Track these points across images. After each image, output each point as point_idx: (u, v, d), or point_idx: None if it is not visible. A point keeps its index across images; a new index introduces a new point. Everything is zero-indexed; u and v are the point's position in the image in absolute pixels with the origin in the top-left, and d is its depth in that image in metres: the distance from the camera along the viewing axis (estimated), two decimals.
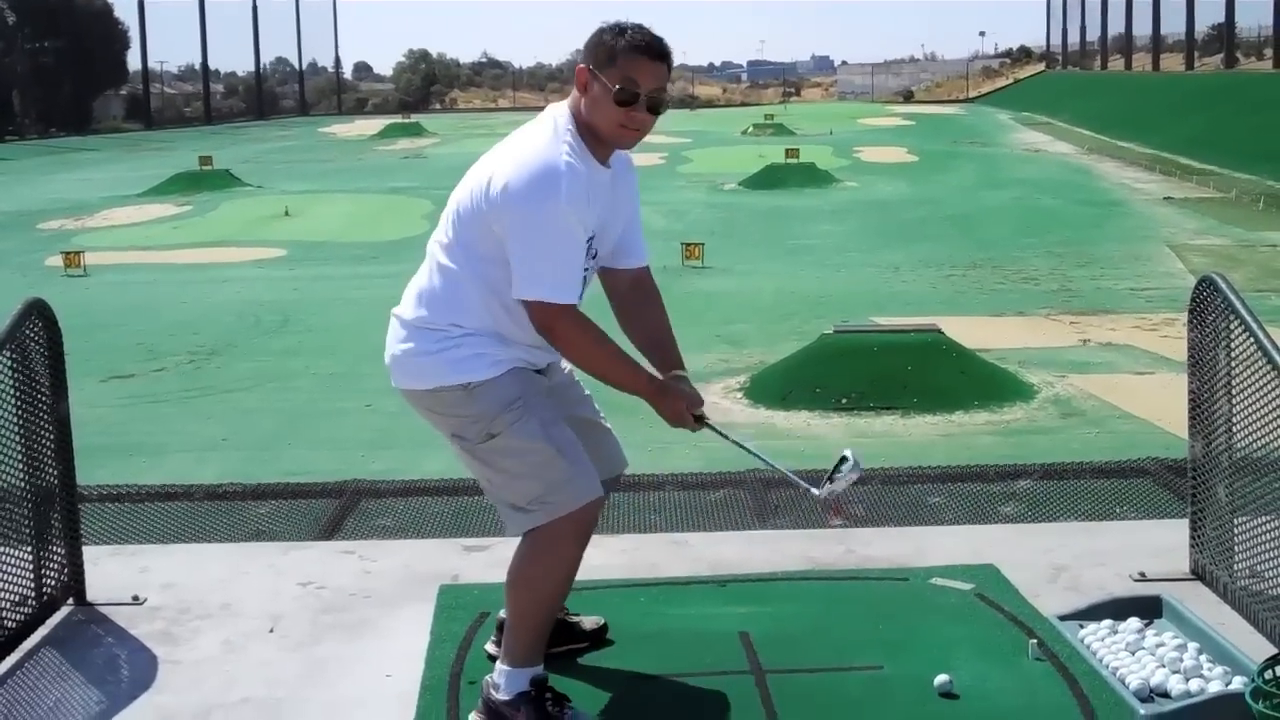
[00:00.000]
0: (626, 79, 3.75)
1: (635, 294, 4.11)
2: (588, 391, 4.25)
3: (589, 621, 4.46)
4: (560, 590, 3.97)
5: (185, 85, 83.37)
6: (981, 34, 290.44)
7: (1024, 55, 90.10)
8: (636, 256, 4.12)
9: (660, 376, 4.00)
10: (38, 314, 4.65)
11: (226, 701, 4.11)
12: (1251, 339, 4.40)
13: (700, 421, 4.00)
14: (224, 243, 20.69)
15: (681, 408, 3.94)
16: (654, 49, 3.82)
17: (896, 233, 20.08)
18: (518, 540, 3.94)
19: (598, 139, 3.82)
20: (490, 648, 4.30)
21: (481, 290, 3.81)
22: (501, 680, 3.86)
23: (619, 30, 3.81)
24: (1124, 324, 12.42)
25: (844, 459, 4.11)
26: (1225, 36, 54.36)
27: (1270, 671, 3.40)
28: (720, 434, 4.06)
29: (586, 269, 3.84)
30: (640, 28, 3.83)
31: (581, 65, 3.82)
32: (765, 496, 6.52)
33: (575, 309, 3.78)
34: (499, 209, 3.71)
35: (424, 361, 3.87)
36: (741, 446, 4.11)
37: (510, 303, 3.78)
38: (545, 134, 3.81)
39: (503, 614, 4.11)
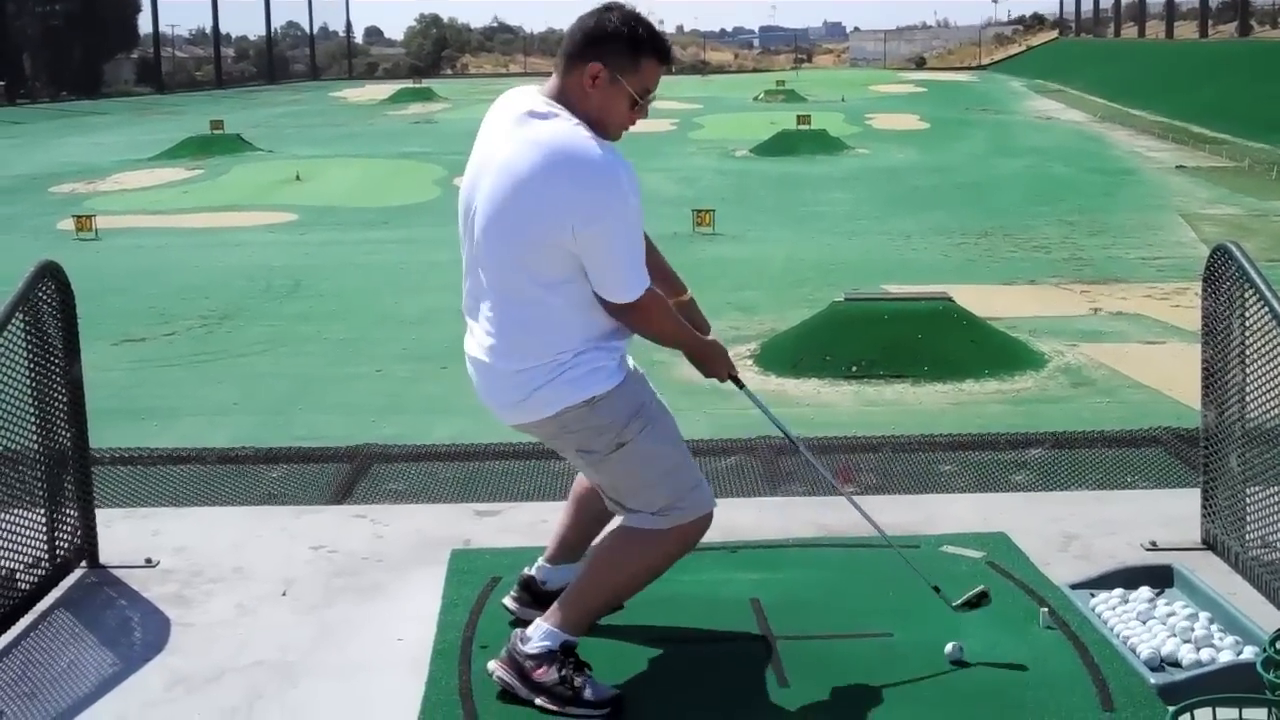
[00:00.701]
0: (645, 87, 3.74)
1: (656, 270, 3.99)
2: None
3: None
4: (641, 585, 3.98)
5: (196, 49, 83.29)
6: (994, 0, 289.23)
7: (1037, 22, 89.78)
8: None
9: (704, 339, 4.08)
10: (50, 276, 4.65)
11: (239, 664, 4.13)
12: (1266, 308, 4.38)
13: (734, 379, 4.14)
14: (235, 207, 20.70)
15: (724, 363, 4.09)
16: (669, 56, 3.83)
17: (908, 200, 20.04)
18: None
19: (595, 129, 3.70)
20: (509, 602, 4.31)
21: (573, 309, 3.72)
22: (534, 634, 3.84)
23: (635, 29, 3.70)
24: (1135, 293, 12.41)
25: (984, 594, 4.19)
26: (1239, 4, 54.10)
27: None
28: (751, 397, 4.21)
29: None
30: (651, 28, 3.75)
31: (596, 63, 3.68)
32: (776, 464, 6.53)
33: (655, 290, 3.80)
34: (575, 222, 3.59)
35: (543, 393, 3.75)
36: (767, 414, 4.20)
37: (596, 305, 3.73)
38: (563, 131, 3.66)
39: (529, 570, 4.24)
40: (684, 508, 3.84)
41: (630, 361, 3.95)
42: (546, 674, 3.80)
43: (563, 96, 3.73)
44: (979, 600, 4.16)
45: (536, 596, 4.20)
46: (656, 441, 3.84)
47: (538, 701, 3.79)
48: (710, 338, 4.09)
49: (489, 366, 3.83)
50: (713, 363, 4.05)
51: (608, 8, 3.75)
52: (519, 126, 3.72)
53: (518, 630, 3.92)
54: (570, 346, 3.74)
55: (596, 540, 4.10)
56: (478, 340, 3.86)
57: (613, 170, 3.61)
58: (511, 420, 3.89)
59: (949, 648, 4.05)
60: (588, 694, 3.79)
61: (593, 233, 3.61)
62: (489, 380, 3.86)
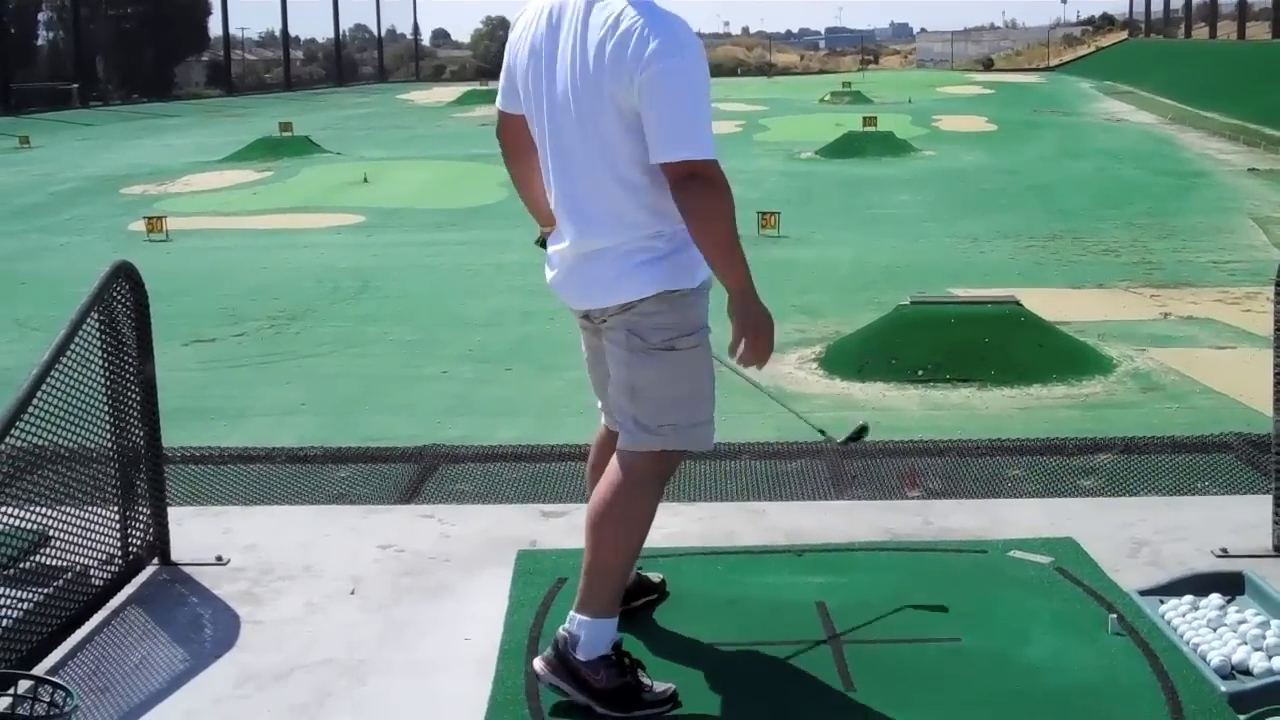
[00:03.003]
0: None
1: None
2: None
3: (655, 575, 4.51)
4: (643, 533, 3.90)
5: (265, 51, 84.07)
6: (1063, 1, 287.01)
7: (1106, 23, 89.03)
8: None
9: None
10: (125, 277, 4.71)
11: (308, 662, 4.17)
12: None
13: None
14: (303, 209, 20.83)
15: (771, 335, 3.76)
16: None
17: (975, 203, 19.90)
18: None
19: None
20: None
21: (664, 188, 3.65)
22: (581, 634, 3.80)
23: None
24: (1205, 297, 12.25)
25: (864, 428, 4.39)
26: None
27: None
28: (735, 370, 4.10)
29: None
30: None
31: None
32: (841, 466, 6.51)
33: (719, 166, 3.64)
34: (639, 70, 3.55)
35: (640, 273, 3.74)
36: (754, 384, 4.27)
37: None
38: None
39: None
40: (683, 436, 3.84)
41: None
42: (606, 680, 3.79)
43: None
44: (860, 434, 4.44)
45: None
46: (697, 365, 3.82)
47: (599, 709, 3.79)
48: (759, 302, 3.76)
49: (579, 250, 3.80)
50: (762, 315, 3.72)
51: None
52: (590, 11, 3.69)
53: (562, 629, 3.87)
54: (665, 228, 3.73)
55: (587, 511, 3.96)
56: (569, 227, 3.83)
57: (678, 22, 3.60)
58: (592, 303, 3.85)
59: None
60: (647, 694, 3.82)
61: (651, 74, 3.56)
62: (577, 263, 3.83)
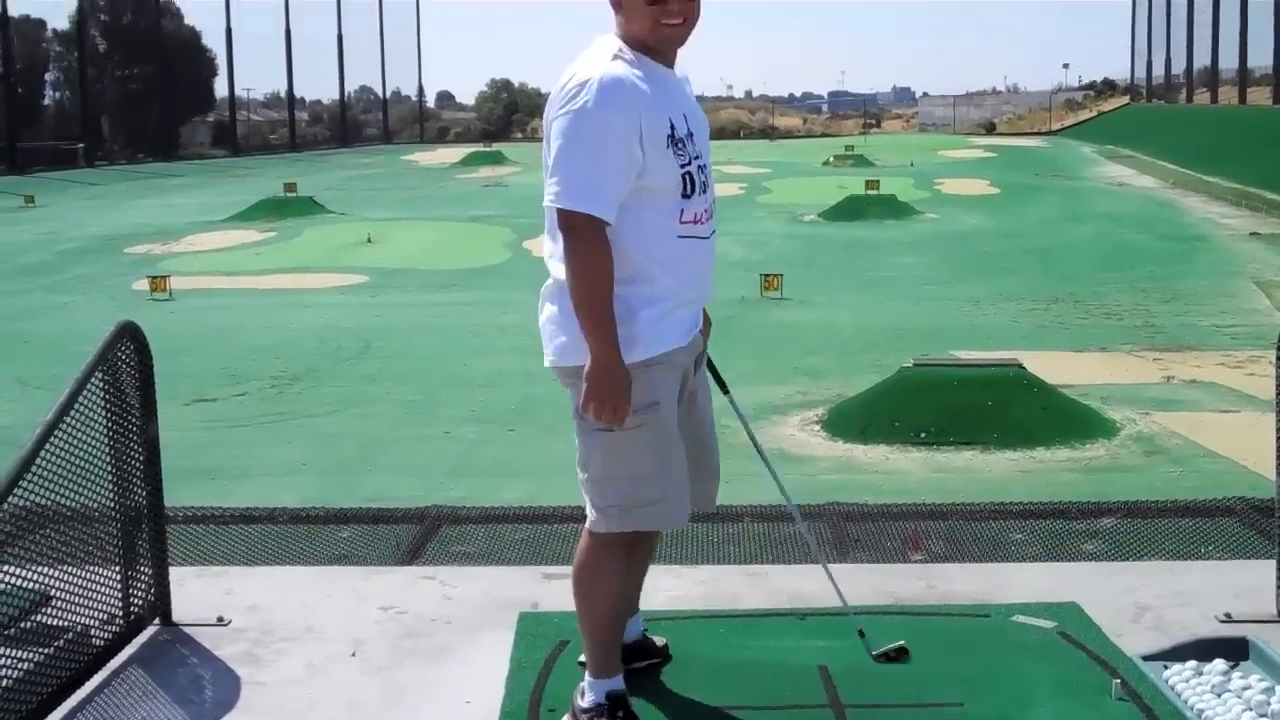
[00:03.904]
0: None
1: None
2: (713, 405, 4.20)
3: (659, 639, 4.54)
4: (612, 599, 3.99)
5: (271, 112, 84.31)
6: (1065, 66, 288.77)
7: (1107, 88, 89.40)
8: None
9: (618, 359, 3.70)
10: (129, 337, 4.73)
11: None
12: None
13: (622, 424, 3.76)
14: (307, 269, 20.90)
15: (610, 395, 3.69)
16: None
17: (977, 265, 19.95)
18: None
19: (648, 47, 3.80)
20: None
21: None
22: (587, 687, 3.99)
23: None
24: (1208, 361, 12.26)
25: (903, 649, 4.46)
26: None
27: None
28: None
29: (689, 168, 3.78)
30: None
31: None
32: (844, 529, 6.50)
33: (593, 223, 3.65)
34: (546, 125, 3.74)
35: (571, 341, 3.80)
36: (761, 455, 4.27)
37: (635, 242, 3.73)
38: (589, 53, 3.79)
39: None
40: (628, 517, 3.87)
41: (684, 340, 3.86)
42: None
43: (617, 31, 3.84)
44: (898, 655, 4.39)
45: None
46: (639, 446, 3.79)
47: None
48: (613, 368, 3.69)
49: (541, 303, 3.93)
50: (603, 375, 3.67)
51: None
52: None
53: (578, 686, 4.05)
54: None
55: None
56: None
57: (587, 79, 3.66)
58: (547, 359, 3.96)
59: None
60: None
61: (551, 129, 3.70)
62: (547, 293, 3.93)
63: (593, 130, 3.64)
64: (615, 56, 3.73)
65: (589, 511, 3.95)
